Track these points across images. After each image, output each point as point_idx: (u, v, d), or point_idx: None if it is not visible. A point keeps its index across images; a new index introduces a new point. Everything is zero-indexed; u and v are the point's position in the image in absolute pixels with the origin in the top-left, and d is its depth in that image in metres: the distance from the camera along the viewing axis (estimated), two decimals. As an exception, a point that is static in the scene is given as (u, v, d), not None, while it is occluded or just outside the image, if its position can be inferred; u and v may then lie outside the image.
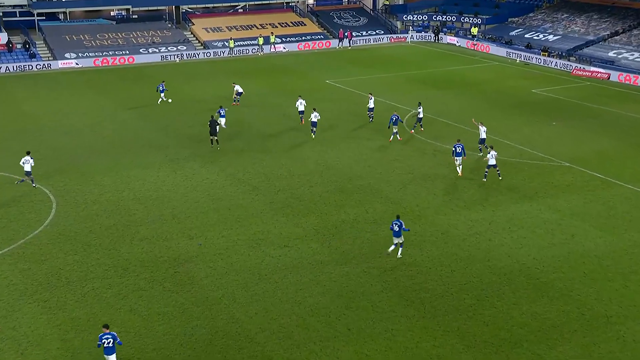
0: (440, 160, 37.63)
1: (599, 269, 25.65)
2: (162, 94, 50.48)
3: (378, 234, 28.70)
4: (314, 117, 41.36)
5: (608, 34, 67.76)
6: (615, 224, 29.53)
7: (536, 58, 66.57)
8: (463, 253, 27.00)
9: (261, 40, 73.00)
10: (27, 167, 33.41)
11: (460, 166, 35.17)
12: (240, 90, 50.10)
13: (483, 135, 37.72)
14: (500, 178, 34.51)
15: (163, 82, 51.44)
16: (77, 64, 66.00)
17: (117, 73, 62.94)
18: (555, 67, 64.20)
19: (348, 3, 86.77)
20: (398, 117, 41.22)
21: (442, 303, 23.43)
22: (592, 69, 60.89)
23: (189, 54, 70.31)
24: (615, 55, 63.37)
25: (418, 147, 40.02)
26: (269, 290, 24.30)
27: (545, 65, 65.23)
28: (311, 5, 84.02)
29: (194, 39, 74.87)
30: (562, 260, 26.30)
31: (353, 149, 39.78)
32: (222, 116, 42.75)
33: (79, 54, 67.45)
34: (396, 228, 26.28)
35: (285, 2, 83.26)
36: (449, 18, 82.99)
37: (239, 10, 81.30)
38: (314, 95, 51.69)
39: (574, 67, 62.27)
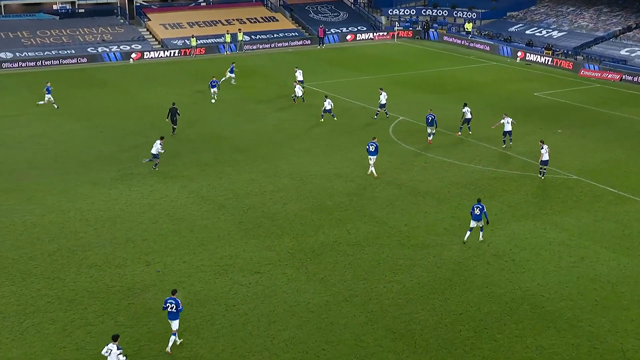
0: (432, 174, 37.86)
1: (612, 296, 25.88)
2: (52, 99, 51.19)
3: (361, 257, 28.76)
4: (328, 104, 46.47)
5: (619, 30, 68.82)
6: (630, 245, 29.85)
7: (539, 57, 67.36)
8: (458, 278, 27.12)
9: (228, 38, 73.20)
10: None
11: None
12: (301, 77, 54.62)
13: (508, 128, 41.42)
14: (542, 177, 36.99)
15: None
16: (14, 64, 65.62)
17: (62, 75, 62.63)
18: (561, 67, 64.98)
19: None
20: (434, 117, 42.68)
21: (434, 336, 23.49)
22: (602, 69, 61.71)
23: (145, 54, 70.28)
24: (627, 53, 64.33)
25: (406, 158, 40.25)
26: (237, 324, 24.21)
27: (549, 65, 66.02)
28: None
29: (150, 36, 74.88)
30: (571, 287, 26.51)
31: (333, 161, 39.91)
32: (213, 86, 51.67)
33: (16, 54, 67.16)
34: (477, 211, 29.18)
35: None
36: (440, 12, 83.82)
37: (202, 4, 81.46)
38: (290, 100, 51.83)
39: (581, 67, 63.08)
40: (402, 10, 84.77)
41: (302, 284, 26.77)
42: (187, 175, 37.82)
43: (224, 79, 56.77)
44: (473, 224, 29.79)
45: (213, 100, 52.44)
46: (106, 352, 20.68)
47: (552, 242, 30.06)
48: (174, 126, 44.58)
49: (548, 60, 66.61)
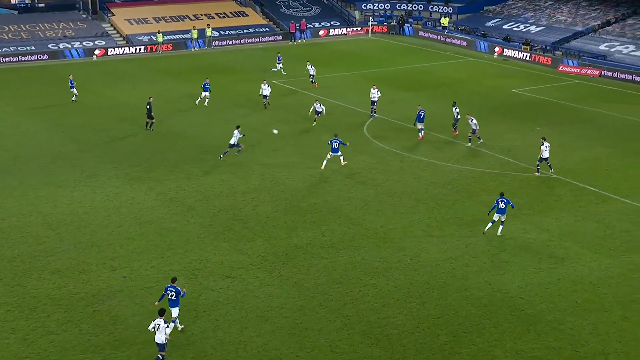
0: (408, 173, 38.00)
1: (594, 298, 26.13)
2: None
3: (336, 259, 28.78)
4: (319, 107, 45.87)
5: (599, 24, 69.57)
6: (612, 245, 30.17)
7: (517, 52, 67.87)
8: (436, 282, 27.23)
9: (195, 34, 72.93)
10: None
11: None
12: (313, 72, 54.99)
13: (473, 127, 41.71)
14: (551, 170, 37.84)
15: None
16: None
17: (21, 73, 62.06)
18: (539, 62, 65.53)
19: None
20: (424, 113, 43.25)
21: (412, 341, 23.56)
22: (581, 64, 62.33)
23: (109, 50, 69.80)
24: (607, 48, 65.06)
25: (382, 158, 40.35)
26: (208, 330, 24.11)
27: (528, 60, 66.54)
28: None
29: (115, 32, 74.40)
30: (551, 288, 26.72)
31: (306, 161, 39.90)
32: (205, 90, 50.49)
33: (-26, 50, 66.44)
34: (502, 205, 30.28)
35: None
36: (415, 7, 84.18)
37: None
38: (261, 98, 51.71)
39: (560, 63, 63.67)
40: (377, 4, 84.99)
41: (275, 288, 26.73)
42: (154, 177, 37.62)
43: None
44: (496, 217, 30.84)
45: (198, 102, 51.37)
46: (153, 327, 21.99)
47: (532, 243, 30.30)
48: (151, 121, 45.17)
49: (526, 55, 67.16)
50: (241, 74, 61.82)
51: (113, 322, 24.56)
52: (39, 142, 43.39)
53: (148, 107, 45.02)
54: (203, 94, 51.29)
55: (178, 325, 23.94)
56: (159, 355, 22.12)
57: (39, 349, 23.10)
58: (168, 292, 23.88)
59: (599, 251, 29.59)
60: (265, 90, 50.37)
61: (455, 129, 44.04)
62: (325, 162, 38.39)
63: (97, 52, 69.13)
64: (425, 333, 23.95)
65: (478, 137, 42.32)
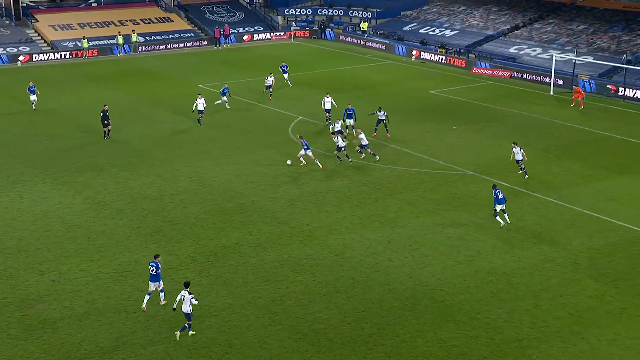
0: (332, 173, 38.20)
1: (508, 288, 26.77)
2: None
3: (264, 258, 28.78)
4: (328, 103, 45.54)
5: (508, 28, 71.21)
6: (523, 237, 30.95)
7: (433, 55, 68.92)
8: (360, 277, 27.49)
9: (120, 39, 71.84)
10: None
11: None
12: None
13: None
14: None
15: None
16: None
17: (-55, 79, 60.13)
18: (454, 65, 66.70)
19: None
20: (354, 110, 44.08)
21: (338, 334, 23.73)
22: (493, 66, 63.69)
23: (33, 56, 68.15)
24: (516, 51, 66.66)
25: (307, 158, 40.40)
26: (138, 330, 23.81)
27: (443, 63, 67.64)
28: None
29: (39, 38, 72.73)
30: (469, 280, 27.27)
31: (233, 163, 39.75)
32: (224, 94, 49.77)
33: None
34: (500, 195, 31.39)
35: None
36: (335, 12, 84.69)
37: (93, 4, 79.60)
38: (187, 102, 51.21)
39: (473, 65, 64.94)
40: (299, 10, 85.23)
41: (205, 287, 26.57)
42: (81, 181, 36.93)
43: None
44: (498, 207, 31.62)
45: (217, 104, 50.05)
46: (179, 299, 23.42)
47: (450, 237, 30.84)
48: (108, 128, 43.73)
49: (442, 58, 68.25)
50: (167, 79, 61.13)
51: (42, 326, 24.04)
52: (-36, 149, 42.16)
53: (102, 114, 43.42)
54: (222, 98, 50.28)
55: (162, 299, 25.26)
56: (186, 324, 23.35)
57: (-33, 355, 22.47)
58: (150, 266, 25.01)
59: (512, 243, 30.31)
60: (200, 105, 46.92)
61: (375, 130, 44.41)
62: (299, 157, 38.72)
63: (21, 58, 67.38)
64: (350, 326, 24.15)
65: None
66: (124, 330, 23.85)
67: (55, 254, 29.07)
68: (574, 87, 54.68)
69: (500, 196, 31.53)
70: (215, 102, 49.86)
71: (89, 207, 33.80)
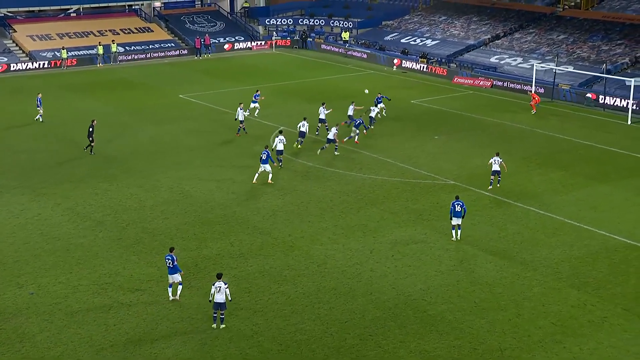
0: (314, 183, 38.21)
1: (490, 298, 26.85)
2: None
3: (245, 269, 28.70)
4: (303, 126, 43.56)
5: (489, 38, 71.68)
6: (505, 247, 31.07)
7: (414, 64, 69.20)
8: (343, 287, 27.47)
9: (100, 50, 71.60)
10: None
11: None
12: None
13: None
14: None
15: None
16: None
17: None
18: (436, 74, 66.99)
19: (202, 6, 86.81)
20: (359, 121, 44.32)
21: (321, 345, 23.69)
22: (474, 76, 64.05)
23: (11, 66, 67.74)
24: (497, 60, 67.08)
25: (289, 167, 40.47)
26: (118, 344, 23.64)
27: (425, 72, 67.94)
28: (158, 9, 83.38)
29: (17, 48, 72.32)
30: (451, 290, 27.32)
31: (214, 173, 39.65)
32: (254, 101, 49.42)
33: None
34: (458, 208, 30.80)
35: (128, 5, 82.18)
36: (317, 22, 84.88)
37: (72, 15, 79.31)
38: (168, 112, 51.23)
39: (455, 75, 65.28)
40: (280, 19, 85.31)
41: (186, 299, 26.44)
42: (60, 193, 36.68)
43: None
44: (455, 221, 31.14)
45: (248, 114, 48.67)
46: (214, 290, 24.28)
47: (432, 247, 30.90)
48: (91, 144, 42.52)
49: (423, 67, 68.55)
50: (147, 89, 60.97)
51: (20, 340, 23.80)
52: (-59, 160, 41.78)
53: (90, 129, 42.41)
54: (252, 105, 50.03)
55: (178, 294, 26.16)
56: (221, 316, 24.41)
57: (-55, 370, 22.21)
58: (166, 260, 26.06)
59: (494, 253, 30.43)
60: (241, 114, 46.31)
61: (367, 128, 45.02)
62: (257, 175, 37.88)
63: (-1, 68, 67.08)
64: (333, 337, 24.11)
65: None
66: (104, 344, 23.66)
67: (34, 267, 28.83)
68: (529, 92, 55.44)
69: (458, 209, 30.98)
70: (245, 113, 47.54)
71: (68, 218, 33.58)
